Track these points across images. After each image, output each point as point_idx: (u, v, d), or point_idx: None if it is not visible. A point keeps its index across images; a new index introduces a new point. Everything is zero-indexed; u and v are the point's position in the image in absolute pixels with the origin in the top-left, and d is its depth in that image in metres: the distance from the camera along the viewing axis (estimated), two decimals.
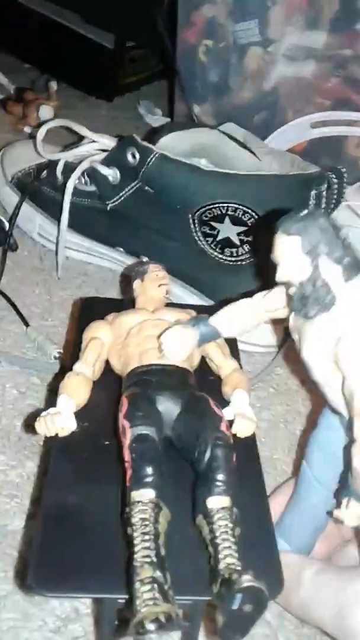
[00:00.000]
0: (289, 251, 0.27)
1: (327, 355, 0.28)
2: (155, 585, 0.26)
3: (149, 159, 0.51)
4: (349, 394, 0.27)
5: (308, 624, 0.35)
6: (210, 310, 0.35)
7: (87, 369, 0.35)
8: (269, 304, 0.32)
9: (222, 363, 0.37)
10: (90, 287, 0.61)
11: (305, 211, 0.27)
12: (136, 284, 0.39)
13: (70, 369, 0.35)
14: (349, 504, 0.29)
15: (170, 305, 0.39)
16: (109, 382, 0.36)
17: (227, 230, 0.52)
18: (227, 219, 0.51)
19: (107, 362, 0.37)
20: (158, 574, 0.26)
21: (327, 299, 0.27)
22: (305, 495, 0.36)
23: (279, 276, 0.28)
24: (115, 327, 0.37)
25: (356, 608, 0.30)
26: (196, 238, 0.53)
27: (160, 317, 0.36)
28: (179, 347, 0.33)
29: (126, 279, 0.43)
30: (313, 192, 0.51)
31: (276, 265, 0.28)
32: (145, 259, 0.57)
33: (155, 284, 0.38)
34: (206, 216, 0.52)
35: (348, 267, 0.27)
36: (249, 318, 0.33)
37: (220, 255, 0.53)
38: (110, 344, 0.37)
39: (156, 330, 0.35)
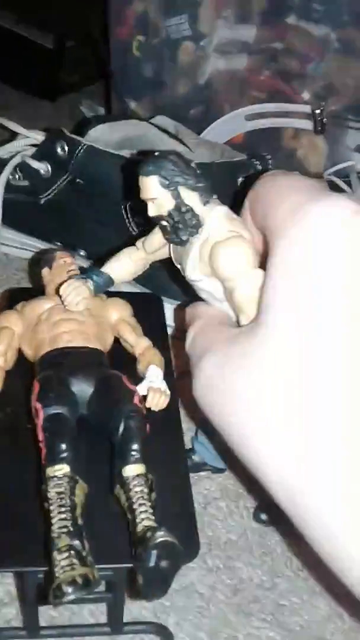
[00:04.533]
0: (150, 189, 0.30)
1: (207, 272, 0.30)
2: (72, 552, 0.27)
3: (77, 151, 0.52)
4: (230, 295, 0.30)
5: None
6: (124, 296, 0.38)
7: None
8: (149, 246, 0.35)
9: (135, 342, 0.38)
10: (29, 283, 0.61)
11: (157, 152, 0.31)
12: (44, 271, 0.40)
13: None
14: None
15: None
16: (24, 370, 0.37)
17: None
18: None
19: (20, 351, 0.38)
20: (75, 542, 0.27)
21: (193, 221, 0.30)
22: None
23: (150, 212, 0.31)
24: (24, 315, 0.37)
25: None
26: (130, 228, 0.54)
27: None
28: (77, 298, 0.35)
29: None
30: (240, 179, 0.52)
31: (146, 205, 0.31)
32: (82, 252, 0.58)
33: (64, 271, 0.39)
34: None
35: (203, 192, 0.30)
36: (136, 262, 0.36)
37: None
38: (21, 332, 0.37)
39: (66, 315, 0.36)
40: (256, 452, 0.24)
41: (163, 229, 0.32)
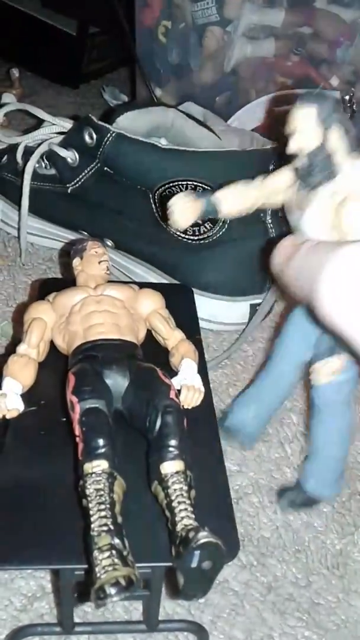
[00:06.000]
0: (305, 119, 0.30)
1: (327, 224, 0.30)
2: (114, 552, 0.26)
3: (105, 139, 0.51)
4: None
5: (297, 295, 0.30)
6: (155, 287, 0.37)
7: (31, 350, 0.35)
8: (270, 184, 0.33)
9: (168, 335, 0.37)
10: (56, 272, 0.61)
11: (317, 91, 0.30)
12: (76, 262, 0.39)
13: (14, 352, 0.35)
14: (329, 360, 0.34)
15: (111, 281, 0.39)
16: (57, 362, 0.36)
17: None
18: None
19: (52, 343, 0.37)
20: (116, 541, 0.27)
21: (332, 167, 0.29)
22: (278, 363, 0.40)
23: (292, 146, 0.30)
24: (56, 306, 0.37)
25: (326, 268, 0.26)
26: (158, 217, 0.53)
27: (102, 293, 0.36)
28: (185, 214, 0.34)
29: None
30: (271, 167, 0.51)
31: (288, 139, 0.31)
32: (109, 242, 0.57)
33: (95, 261, 0.38)
34: (166, 195, 0.52)
35: (352, 141, 0.30)
36: (248, 199, 0.34)
37: (182, 235, 0.53)
38: (53, 323, 0.36)
39: (99, 306, 0.35)
40: None
41: (296, 169, 0.31)
